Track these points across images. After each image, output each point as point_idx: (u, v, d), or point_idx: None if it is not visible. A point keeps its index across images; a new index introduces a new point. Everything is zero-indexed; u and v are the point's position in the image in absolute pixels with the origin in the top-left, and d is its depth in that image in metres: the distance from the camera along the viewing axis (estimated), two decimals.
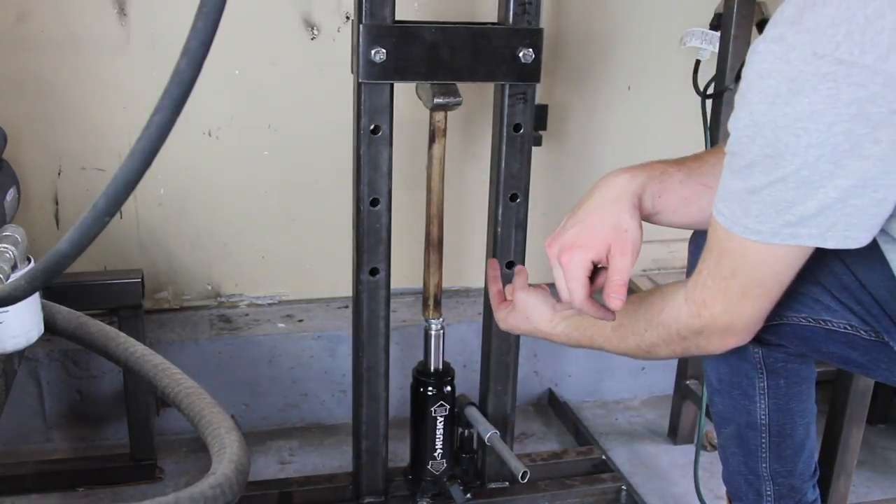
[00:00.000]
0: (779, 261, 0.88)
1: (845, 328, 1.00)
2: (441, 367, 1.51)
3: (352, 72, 1.33)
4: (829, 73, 0.75)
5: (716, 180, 1.02)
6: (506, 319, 1.22)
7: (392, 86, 1.32)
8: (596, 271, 1.03)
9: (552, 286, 1.10)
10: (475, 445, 1.59)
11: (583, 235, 1.01)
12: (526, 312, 1.19)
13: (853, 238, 0.83)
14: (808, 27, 0.76)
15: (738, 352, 1.16)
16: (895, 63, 0.74)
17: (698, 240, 1.17)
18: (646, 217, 1.03)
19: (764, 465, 1.24)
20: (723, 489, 1.33)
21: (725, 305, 0.94)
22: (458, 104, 1.33)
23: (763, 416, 1.20)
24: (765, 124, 0.80)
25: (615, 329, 1.09)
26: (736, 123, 0.85)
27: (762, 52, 0.80)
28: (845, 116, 0.76)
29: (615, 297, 0.99)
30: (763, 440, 1.22)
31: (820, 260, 0.94)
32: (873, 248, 0.90)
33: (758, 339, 1.11)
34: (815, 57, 0.76)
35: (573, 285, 1.02)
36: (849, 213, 0.81)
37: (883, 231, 0.85)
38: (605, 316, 1.03)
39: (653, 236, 1.32)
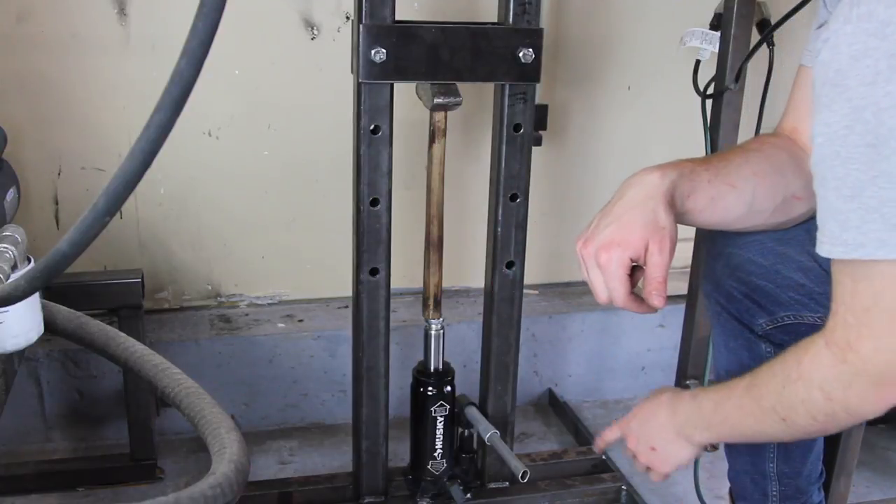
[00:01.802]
0: None
1: None
2: (441, 367, 1.51)
3: (352, 72, 1.33)
4: None
5: (741, 180, 0.99)
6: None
7: (392, 86, 1.32)
8: (631, 270, 1.01)
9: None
10: (475, 445, 1.59)
11: (620, 233, 0.98)
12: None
13: None
14: None
15: (749, 350, 1.16)
16: None
17: (708, 289, 1.16)
18: (675, 216, 1.00)
19: (771, 465, 1.23)
20: (723, 489, 1.33)
21: (875, 343, 0.81)
22: (458, 104, 1.33)
23: None
24: (865, 108, 0.75)
25: (748, 389, 0.98)
26: (829, 118, 0.78)
27: (851, 34, 0.75)
28: None
29: (657, 294, 0.96)
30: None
31: None
32: None
33: (771, 339, 1.11)
34: None
35: (614, 284, 0.99)
36: None
37: None
38: (648, 311, 1.00)
39: None
